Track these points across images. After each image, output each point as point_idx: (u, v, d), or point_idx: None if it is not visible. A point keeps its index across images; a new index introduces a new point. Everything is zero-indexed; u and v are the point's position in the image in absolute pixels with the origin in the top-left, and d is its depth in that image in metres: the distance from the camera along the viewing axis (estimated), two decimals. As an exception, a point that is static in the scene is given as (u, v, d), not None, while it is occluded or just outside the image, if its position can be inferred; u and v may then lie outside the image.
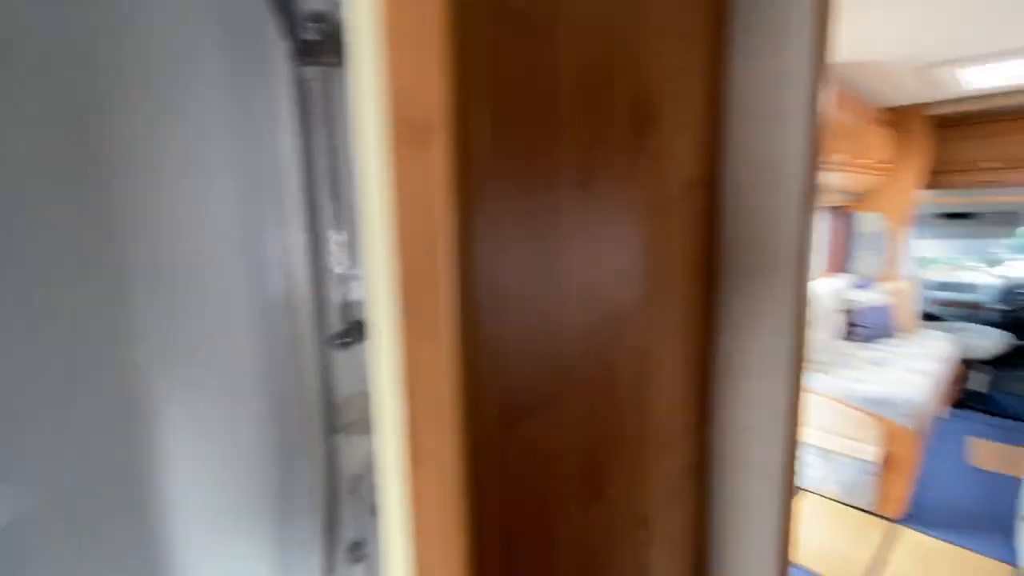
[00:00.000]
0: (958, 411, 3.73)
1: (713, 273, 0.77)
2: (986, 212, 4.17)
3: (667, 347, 0.68)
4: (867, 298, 3.62)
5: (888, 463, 2.41)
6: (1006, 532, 2.32)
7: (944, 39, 2.20)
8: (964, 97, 3.33)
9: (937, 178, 3.80)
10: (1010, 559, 2.14)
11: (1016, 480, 2.74)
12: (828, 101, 1.14)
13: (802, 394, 0.77)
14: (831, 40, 0.70)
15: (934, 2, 1.81)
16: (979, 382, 3.89)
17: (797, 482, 0.82)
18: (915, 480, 2.41)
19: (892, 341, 3.55)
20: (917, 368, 2.91)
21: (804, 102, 0.68)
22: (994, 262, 5.29)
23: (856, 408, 2.48)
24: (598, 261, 0.53)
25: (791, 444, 0.75)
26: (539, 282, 0.46)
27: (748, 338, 0.76)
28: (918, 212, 3.99)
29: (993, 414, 3.66)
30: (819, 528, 2.41)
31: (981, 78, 2.80)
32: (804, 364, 0.76)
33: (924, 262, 4.91)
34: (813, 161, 0.70)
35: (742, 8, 0.71)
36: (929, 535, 2.33)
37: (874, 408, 2.44)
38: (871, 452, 2.42)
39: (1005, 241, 4.90)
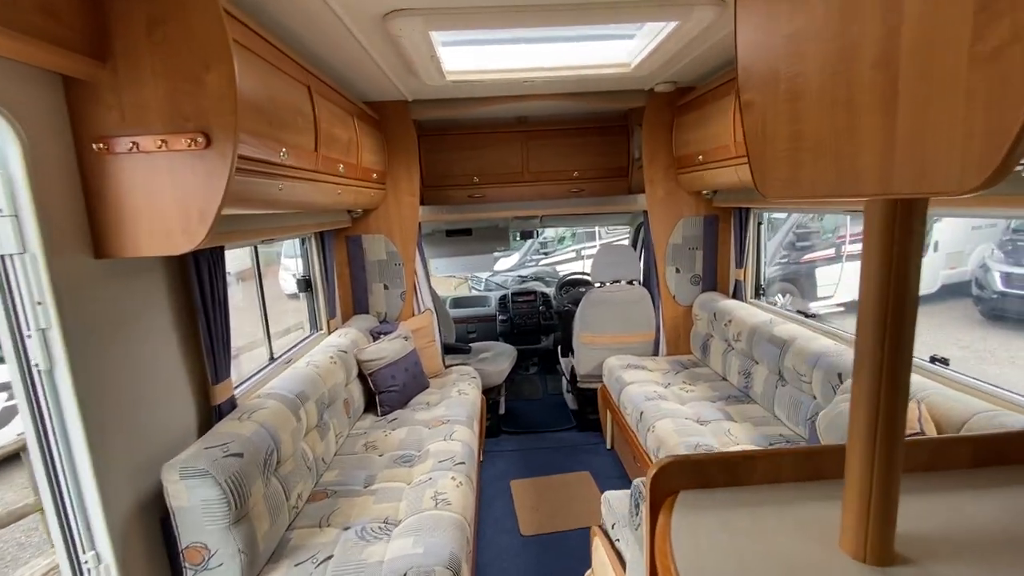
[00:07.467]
0: (492, 440, 3.46)
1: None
2: (482, 227, 4.10)
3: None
4: (391, 349, 2.78)
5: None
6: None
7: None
8: (445, 99, 2.88)
9: (432, 193, 3.35)
10: None
11: (561, 536, 2.39)
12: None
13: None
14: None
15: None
16: (499, 404, 3.73)
17: None
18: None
19: (423, 396, 2.86)
20: (447, 452, 2.15)
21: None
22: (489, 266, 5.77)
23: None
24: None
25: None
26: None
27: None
28: (422, 232, 3.46)
29: (516, 432, 3.55)
30: None
31: (460, 59, 2.30)
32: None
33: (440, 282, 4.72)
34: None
35: None
36: None
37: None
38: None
39: (500, 251, 5.29)
